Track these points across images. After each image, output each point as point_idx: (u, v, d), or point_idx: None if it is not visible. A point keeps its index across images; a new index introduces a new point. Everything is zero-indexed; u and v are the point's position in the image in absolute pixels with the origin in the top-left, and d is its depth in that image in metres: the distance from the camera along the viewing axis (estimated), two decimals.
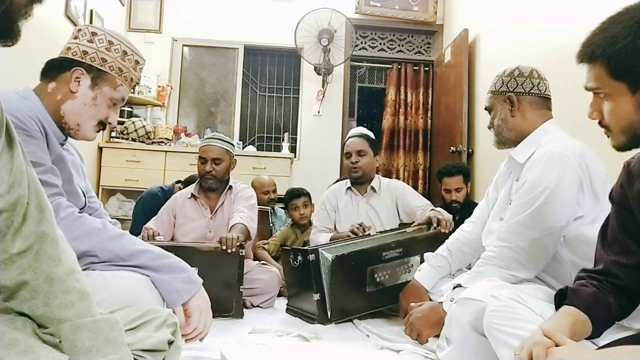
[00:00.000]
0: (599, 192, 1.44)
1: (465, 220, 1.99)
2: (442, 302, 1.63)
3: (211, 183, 2.59)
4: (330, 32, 4.63)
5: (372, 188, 2.73)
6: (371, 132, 2.88)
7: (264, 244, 3.20)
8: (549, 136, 1.58)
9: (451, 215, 2.48)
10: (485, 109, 1.76)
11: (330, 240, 2.56)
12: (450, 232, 2.12)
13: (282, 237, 3.27)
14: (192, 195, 2.65)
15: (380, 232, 2.41)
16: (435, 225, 2.34)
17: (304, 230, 3.28)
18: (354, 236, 2.39)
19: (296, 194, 3.34)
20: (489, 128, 1.75)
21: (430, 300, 1.88)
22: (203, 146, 2.64)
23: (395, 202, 2.70)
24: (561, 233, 1.45)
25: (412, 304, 1.75)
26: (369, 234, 2.38)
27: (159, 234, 2.45)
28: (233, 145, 2.70)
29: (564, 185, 1.43)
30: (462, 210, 3.19)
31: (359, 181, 2.73)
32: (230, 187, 2.66)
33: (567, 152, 1.46)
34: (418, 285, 1.91)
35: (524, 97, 1.63)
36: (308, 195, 3.37)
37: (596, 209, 1.44)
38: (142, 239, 2.37)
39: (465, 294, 1.39)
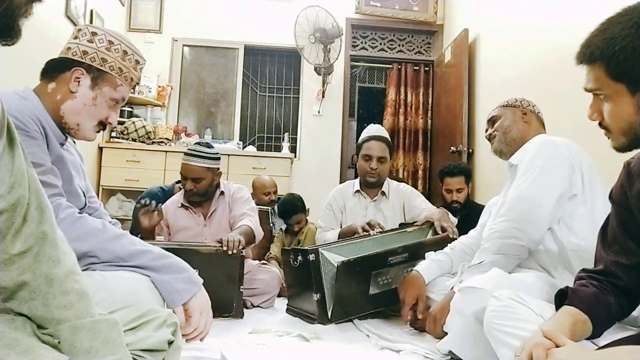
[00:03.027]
0: (586, 177, 1.56)
1: (470, 231, 2.07)
2: (453, 288, 1.66)
3: (195, 198, 2.53)
4: (322, 30, 4.60)
5: (383, 193, 2.72)
6: (387, 134, 2.84)
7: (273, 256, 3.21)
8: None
9: (456, 220, 2.49)
10: (491, 119, 1.92)
11: (339, 236, 2.55)
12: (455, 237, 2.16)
13: (282, 242, 3.28)
14: (182, 205, 2.59)
15: (381, 232, 2.41)
16: (439, 230, 2.34)
17: (298, 232, 3.29)
18: (362, 233, 2.38)
19: (297, 209, 3.24)
20: (490, 135, 1.89)
21: (428, 297, 1.93)
22: (183, 163, 2.48)
23: (403, 205, 2.70)
24: (555, 208, 1.53)
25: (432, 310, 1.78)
26: (370, 234, 2.37)
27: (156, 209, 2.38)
28: (217, 159, 2.53)
29: (553, 164, 1.57)
30: (463, 210, 3.19)
31: (372, 185, 2.72)
32: (222, 192, 2.59)
33: (555, 140, 1.64)
34: (417, 275, 1.95)
35: (532, 114, 1.87)
36: (302, 206, 3.29)
37: (585, 190, 1.56)
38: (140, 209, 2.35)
39: (467, 283, 1.41)
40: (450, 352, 1.55)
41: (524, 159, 1.66)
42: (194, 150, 2.49)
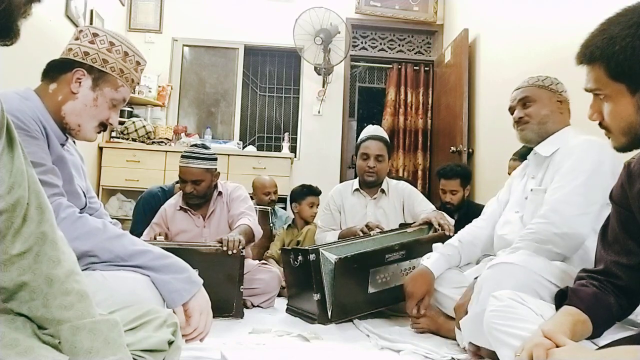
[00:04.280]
0: None
1: (476, 219, 2.00)
2: (476, 278, 1.61)
3: (195, 201, 2.53)
4: (326, 31, 4.62)
5: (382, 191, 2.72)
6: (386, 134, 2.84)
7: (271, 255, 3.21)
8: (574, 135, 1.68)
9: (453, 220, 2.48)
10: (522, 99, 1.78)
11: (338, 238, 2.56)
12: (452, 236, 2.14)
13: (282, 242, 3.28)
14: (181, 207, 2.59)
15: (381, 232, 2.41)
16: (437, 227, 2.34)
17: (300, 229, 3.29)
18: (362, 235, 2.38)
19: (315, 191, 3.39)
20: (521, 119, 1.76)
21: (436, 289, 1.89)
22: (182, 167, 2.48)
23: (402, 204, 2.70)
24: (595, 217, 1.48)
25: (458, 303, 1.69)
26: (370, 234, 2.37)
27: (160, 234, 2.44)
28: (215, 159, 2.53)
29: (601, 171, 1.51)
30: (460, 211, 3.18)
31: (371, 185, 2.72)
32: (220, 193, 2.59)
33: (601, 143, 1.53)
34: (426, 270, 1.89)
35: (566, 102, 1.79)
36: (319, 191, 3.43)
37: None
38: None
39: (499, 260, 1.37)
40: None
41: (567, 158, 1.58)
42: (192, 153, 2.48)
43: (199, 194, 2.49)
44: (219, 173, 2.59)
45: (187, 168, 2.46)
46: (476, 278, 1.61)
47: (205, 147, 2.55)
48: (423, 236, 2.36)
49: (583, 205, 1.49)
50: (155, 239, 2.37)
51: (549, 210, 1.53)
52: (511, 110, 1.82)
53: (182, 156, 2.51)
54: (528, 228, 1.57)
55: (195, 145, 2.57)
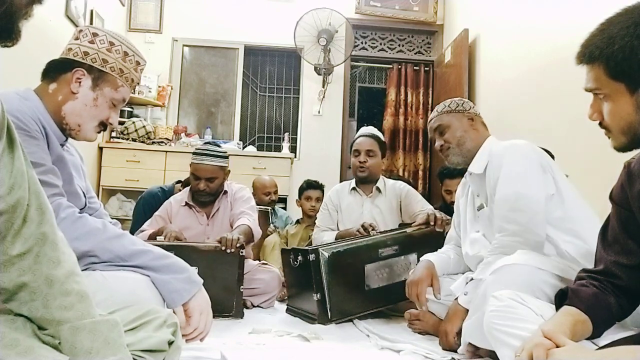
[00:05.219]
0: (555, 175, 1.59)
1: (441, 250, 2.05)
2: (457, 299, 1.66)
3: (205, 198, 2.54)
4: (329, 32, 4.63)
5: (378, 189, 2.73)
6: (381, 134, 2.88)
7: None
8: (496, 144, 1.78)
9: (450, 218, 2.49)
10: (437, 128, 1.89)
11: (336, 238, 2.57)
12: (446, 232, 2.15)
13: (285, 237, 3.29)
14: (186, 204, 2.59)
15: (381, 233, 2.41)
16: (432, 222, 2.34)
17: (305, 224, 3.31)
18: (361, 234, 2.39)
19: (313, 185, 3.44)
20: (442, 147, 1.87)
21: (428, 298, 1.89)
22: (195, 164, 2.49)
23: (400, 203, 2.71)
24: (546, 210, 1.53)
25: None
26: (370, 234, 2.38)
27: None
28: (227, 157, 2.57)
29: (533, 170, 1.58)
30: None
31: (364, 181, 2.73)
32: (225, 192, 2.61)
33: (519, 143, 1.67)
34: (425, 261, 1.91)
35: (477, 117, 1.89)
36: (322, 191, 3.44)
37: (559, 188, 1.57)
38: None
39: (499, 264, 1.36)
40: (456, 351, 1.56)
41: (499, 169, 1.64)
42: (206, 150, 2.51)
43: (211, 191, 2.51)
44: (229, 171, 2.62)
45: (201, 165, 2.48)
46: (456, 298, 1.66)
47: (218, 145, 2.60)
48: (414, 231, 2.36)
49: (531, 208, 1.53)
50: (155, 238, 2.37)
51: (504, 223, 1.58)
52: (432, 141, 1.95)
53: (195, 153, 2.53)
54: (493, 244, 1.61)
55: (207, 143, 2.62)
